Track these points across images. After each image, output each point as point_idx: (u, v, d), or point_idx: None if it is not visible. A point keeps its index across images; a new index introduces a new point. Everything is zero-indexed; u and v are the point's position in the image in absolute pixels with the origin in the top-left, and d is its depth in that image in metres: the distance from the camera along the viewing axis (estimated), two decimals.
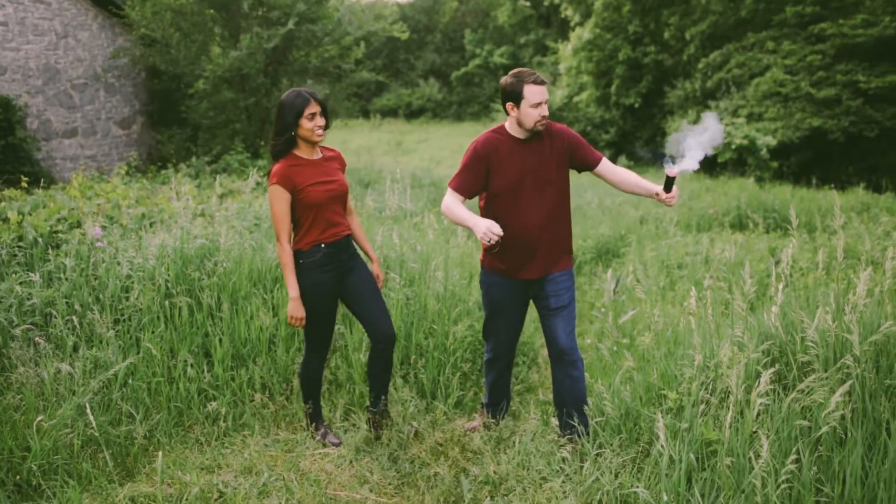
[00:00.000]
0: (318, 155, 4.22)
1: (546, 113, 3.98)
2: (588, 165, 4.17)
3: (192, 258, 5.55)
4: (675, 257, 7.99)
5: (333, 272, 4.19)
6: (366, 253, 4.53)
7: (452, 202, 4.03)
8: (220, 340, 5.02)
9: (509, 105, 4.02)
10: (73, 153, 14.77)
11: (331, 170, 4.21)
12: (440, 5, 42.69)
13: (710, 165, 18.20)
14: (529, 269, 4.14)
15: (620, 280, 6.17)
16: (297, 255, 4.15)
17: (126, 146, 15.69)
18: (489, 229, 3.69)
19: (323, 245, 4.13)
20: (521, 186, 4.03)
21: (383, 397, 4.41)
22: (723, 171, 17.55)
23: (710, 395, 3.75)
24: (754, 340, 3.85)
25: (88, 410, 3.67)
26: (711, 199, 12.45)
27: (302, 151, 4.15)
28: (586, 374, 5.04)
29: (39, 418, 3.97)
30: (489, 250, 4.20)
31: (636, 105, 24.24)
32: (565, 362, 4.23)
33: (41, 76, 14.04)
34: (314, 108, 4.05)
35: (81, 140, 14.93)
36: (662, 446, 3.39)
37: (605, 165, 4.17)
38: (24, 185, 7.68)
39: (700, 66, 21.59)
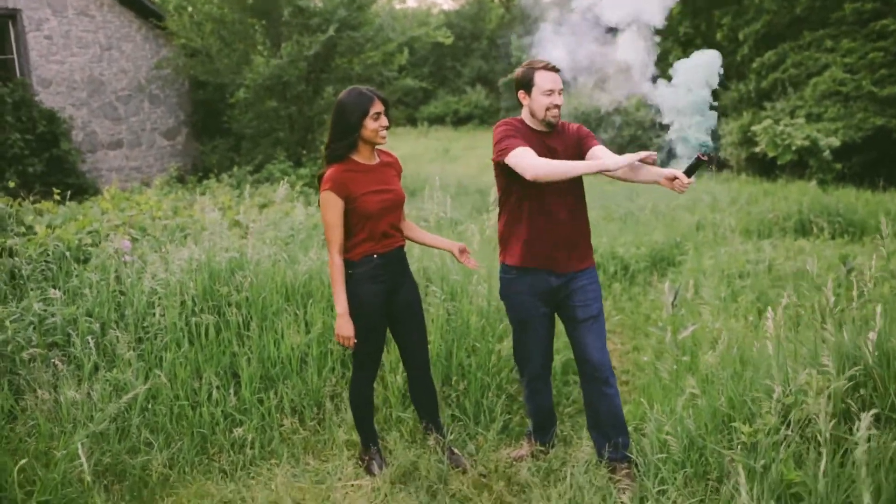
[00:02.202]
0: (375, 160, 3.88)
1: (559, 102, 3.74)
2: (582, 153, 3.84)
3: (221, 272, 5.25)
4: (736, 266, 7.47)
5: (385, 284, 3.86)
6: (439, 247, 4.21)
7: (534, 155, 3.59)
8: (249, 360, 4.69)
9: (521, 94, 3.84)
10: (119, 164, 14.72)
11: (387, 177, 3.89)
12: (486, 12, 42.31)
13: (768, 168, 17.52)
14: (553, 261, 3.85)
15: (679, 292, 5.71)
16: (348, 265, 3.81)
17: (171, 157, 15.61)
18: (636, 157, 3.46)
19: (376, 255, 3.81)
20: None
21: (436, 422, 4.15)
22: (781, 173, 16.86)
23: (789, 428, 3.29)
24: (837, 364, 3.38)
25: (80, 450, 3.24)
26: (771, 204, 11.84)
27: (360, 156, 3.82)
28: (642, 398, 4.62)
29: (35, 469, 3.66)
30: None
31: None
32: (598, 379, 3.87)
33: (86, 88, 14.02)
34: (378, 106, 3.73)
35: (126, 151, 14.88)
36: (738, 490, 2.95)
37: (598, 151, 3.79)
38: (57, 197, 7.47)
39: (754, 66, 20.83)
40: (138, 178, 14.83)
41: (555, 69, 3.78)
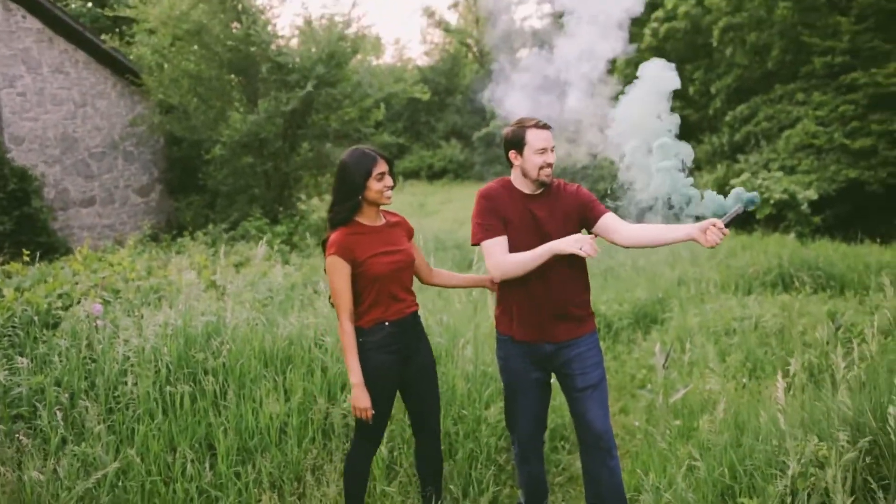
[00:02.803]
0: (381, 221, 3.76)
1: (551, 160, 3.62)
2: (590, 222, 3.70)
3: (197, 338, 5.05)
4: (722, 323, 7.37)
5: (398, 353, 3.69)
6: (474, 285, 4.17)
7: (502, 251, 3.59)
8: (225, 431, 4.47)
9: (512, 154, 3.70)
10: (91, 222, 14.49)
11: (395, 238, 3.76)
12: (460, 67, 42.76)
13: (745, 221, 17.61)
14: (547, 331, 3.68)
15: (670, 354, 5.57)
16: (358, 332, 3.65)
17: (144, 214, 15.41)
18: (585, 241, 3.31)
19: (387, 323, 3.65)
20: (529, 243, 3.60)
21: (435, 489, 3.91)
22: (757, 226, 16.95)
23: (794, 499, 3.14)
24: (844, 432, 3.25)
25: None
26: (750, 257, 11.80)
27: (365, 217, 3.69)
28: (636, 466, 4.46)
29: None
30: None
31: None
32: (601, 449, 3.69)
33: (59, 146, 13.84)
34: (382, 166, 3.63)
35: (99, 209, 14.66)
36: None
37: (609, 220, 3.65)
38: (27, 257, 7.25)
39: (727, 119, 21.15)
40: (111, 236, 14.59)
41: (546, 126, 3.66)
